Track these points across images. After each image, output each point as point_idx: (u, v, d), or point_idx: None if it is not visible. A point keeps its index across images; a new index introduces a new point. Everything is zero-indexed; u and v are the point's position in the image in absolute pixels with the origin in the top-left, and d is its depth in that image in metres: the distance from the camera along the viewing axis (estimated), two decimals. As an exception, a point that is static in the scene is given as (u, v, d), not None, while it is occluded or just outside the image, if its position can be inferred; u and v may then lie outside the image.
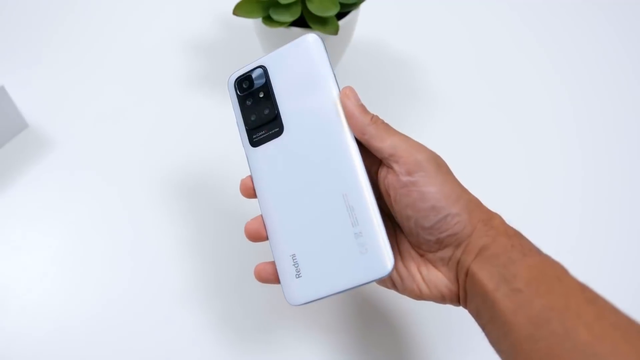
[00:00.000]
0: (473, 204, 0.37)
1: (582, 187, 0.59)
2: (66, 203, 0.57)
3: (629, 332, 0.31)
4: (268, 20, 0.55)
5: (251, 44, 0.66)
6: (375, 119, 0.38)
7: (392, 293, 0.41)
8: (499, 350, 0.34)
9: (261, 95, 0.42)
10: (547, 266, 0.34)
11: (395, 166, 0.37)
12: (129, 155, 0.60)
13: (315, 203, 0.39)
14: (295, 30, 0.56)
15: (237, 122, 0.42)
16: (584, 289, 0.33)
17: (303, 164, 0.40)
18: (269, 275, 0.40)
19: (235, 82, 0.43)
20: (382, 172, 0.38)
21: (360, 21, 0.62)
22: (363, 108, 0.39)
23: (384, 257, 0.37)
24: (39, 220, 0.56)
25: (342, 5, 0.56)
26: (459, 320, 0.39)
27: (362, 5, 0.59)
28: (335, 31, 0.55)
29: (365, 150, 0.39)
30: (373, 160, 0.39)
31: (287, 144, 0.40)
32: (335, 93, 0.40)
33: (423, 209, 0.36)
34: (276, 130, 0.41)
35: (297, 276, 0.39)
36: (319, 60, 0.41)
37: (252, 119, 0.41)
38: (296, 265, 0.39)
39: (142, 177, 0.58)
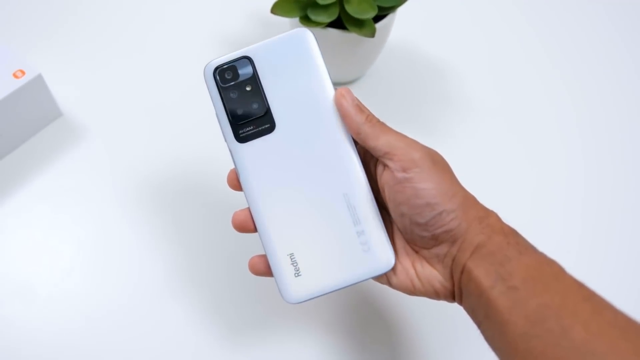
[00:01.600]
0: (469, 202, 0.37)
1: (613, 194, 0.58)
2: (95, 192, 0.57)
3: (626, 329, 0.31)
4: (305, 20, 0.55)
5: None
6: (370, 118, 0.38)
7: (387, 289, 0.41)
8: (494, 347, 0.35)
9: (248, 89, 0.39)
10: (544, 264, 0.34)
11: (390, 163, 0.37)
12: (161, 148, 0.60)
13: (315, 202, 0.39)
14: (332, 31, 0.55)
15: (217, 115, 0.39)
16: (580, 287, 0.33)
17: (298, 163, 0.39)
18: (265, 268, 0.40)
19: (215, 71, 0.39)
20: (378, 170, 0.39)
21: (395, 24, 0.62)
22: (359, 107, 0.39)
23: (386, 254, 0.38)
24: (68, 208, 0.56)
25: (379, 8, 0.55)
26: (457, 316, 0.39)
27: (399, 9, 0.58)
28: (372, 34, 0.54)
29: (362, 149, 0.40)
30: (370, 159, 0.40)
31: (280, 141, 0.39)
32: (330, 91, 0.39)
33: (418, 206, 0.36)
34: (267, 126, 0.39)
35: (297, 275, 0.39)
36: (312, 57, 0.40)
37: (239, 113, 0.39)
38: (295, 265, 0.39)
39: (174, 170, 0.58)
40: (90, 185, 0.58)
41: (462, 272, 0.36)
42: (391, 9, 0.57)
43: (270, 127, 0.39)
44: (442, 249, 0.37)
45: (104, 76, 0.65)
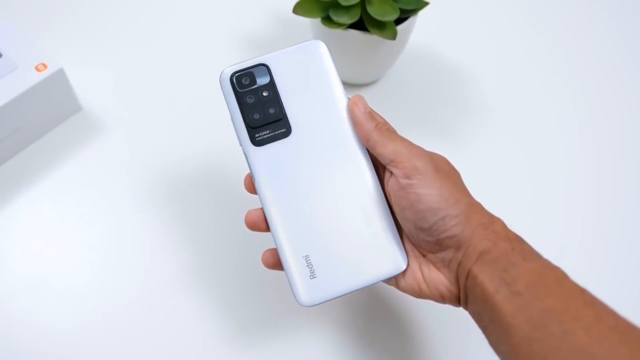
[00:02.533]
0: (473, 208, 0.38)
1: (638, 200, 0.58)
2: (112, 187, 0.57)
3: (627, 335, 0.32)
4: (327, 20, 0.55)
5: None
6: (379, 126, 0.40)
7: (396, 290, 0.42)
8: (498, 351, 0.35)
9: (265, 94, 0.41)
10: (547, 270, 0.35)
11: (395, 170, 0.38)
12: (179, 145, 0.60)
13: (328, 205, 0.40)
14: (353, 32, 0.55)
15: (232, 119, 0.41)
16: (583, 293, 0.34)
17: (313, 166, 0.40)
18: (278, 261, 0.40)
19: (232, 76, 0.41)
20: (386, 177, 0.40)
21: (415, 28, 0.61)
22: (370, 115, 0.40)
23: (399, 256, 0.39)
24: (84, 201, 0.57)
25: (401, 10, 0.55)
26: (465, 319, 0.39)
27: (420, 12, 0.58)
28: (393, 36, 0.54)
29: (373, 156, 0.41)
30: (380, 166, 0.41)
31: (295, 146, 0.40)
32: (343, 99, 0.41)
33: (420, 211, 0.37)
34: (283, 130, 0.40)
35: (312, 277, 0.39)
36: (326, 68, 0.42)
37: (256, 117, 0.40)
38: (310, 267, 0.39)
39: (191, 167, 0.59)
40: (107, 180, 0.58)
41: (467, 277, 0.36)
42: (412, 11, 0.57)
43: (286, 131, 0.40)
44: (447, 254, 0.38)
45: (125, 72, 0.65)
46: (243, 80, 0.41)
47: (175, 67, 0.66)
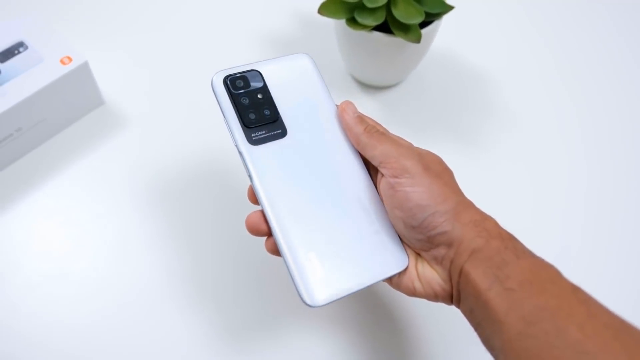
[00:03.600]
0: (463, 205, 0.38)
1: (654, 223, 0.57)
2: (129, 183, 0.58)
3: (621, 331, 0.32)
4: (352, 22, 0.55)
5: (328, 44, 0.66)
6: (368, 129, 0.41)
7: (391, 289, 0.43)
8: (491, 348, 0.35)
9: (259, 97, 0.42)
10: (541, 268, 0.35)
11: (384, 171, 0.39)
12: (199, 144, 0.60)
13: (329, 203, 0.40)
14: (377, 34, 0.55)
15: (226, 120, 0.41)
16: (576, 290, 0.34)
17: (310, 167, 0.41)
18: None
19: (226, 79, 0.42)
20: (378, 178, 0.41)
21: (439, 31, 0.61)
22: (359, 119, 0.42)
23: (401, 253, 0.40)
24: (101, 195, 0.57)
25: (426, 14, 0.55)
26: (459, 316, 0.39)
27: (444, 16, 0.58)
28: (417, 39, 0.54)
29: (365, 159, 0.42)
30: (372, 168, 0.42)
31: (292, 146, 0.41)
32: (333, 105, 0.43)
33: (409, 208, 0.38)
34: (279, 131, 0.41)
35: (318, 276, 0.38)
36: (314, 77, 0.44)
37: (252, 117, 0.41)
38: (315, 266, 0.38)
39: (210, 167, 0.59)
40: (125, 175, 0.58)
41: (460, 275, 0.37)
42: (437, 15, 0.57)
43: (282, 132, 0.41)
44: (439, 252, 0.38)
45: (148, 69, 0.66)
46: (237, 83, 0.42)
47: (198, 65, 0.66)
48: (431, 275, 0.39)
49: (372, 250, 0.40)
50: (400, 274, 0.40)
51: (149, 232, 0.55)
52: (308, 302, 0.37)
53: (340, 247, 0.39)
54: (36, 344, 0.49)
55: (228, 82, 0.42)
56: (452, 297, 0.38)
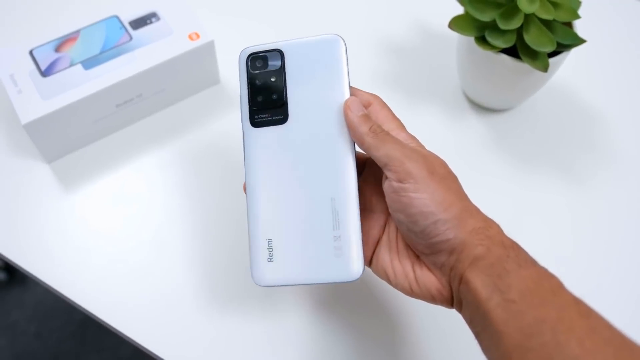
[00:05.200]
0: (467, 212, 0.37)
1: None
2: (231, 163, 0.59)
3: (622, 348, 0.31)
4: (481, 41, 0.54)
5: (446, 56, 0.66)
6: (373, 129, 0.39)
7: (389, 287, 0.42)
8: (490, 358, 0.35)
9: (273, 79, 0.42)
10: (543, 278, 0.35)
11: (389, 174, 0.38)
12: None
13: (304, 198, 0.40)
14: (504, 57, 0.55)
15: (240, 97, 0.42)
16: (578, 303, 0.33)
17: (299, 158, 0.41)
18: None
19: (248, 57, 0.42)
20: (383, 177, 0.39)
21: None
22: (364, 118, 0.40)
23: (354, 265, 0.39)
24: (201, 170, 0.59)
25: (557, 44, 0.54)
26: (457, 317, 0.39)
27: (573, 49, 0.57)
28: (545, 68, 0.53)
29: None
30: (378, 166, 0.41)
31: (288, 134, 0.41)
32: (346, 96, 0.41)
33: (412, 214, 0.37)
34: (280, 117, 0.41)
35: (269, 260, 0.40)
36: (339, 64, 0.41)
37: (259, 99, 0.42)
38: (270, 250, 0.40)
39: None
40: (228, 155, 0.59)
41: (460, 282, 0.36)
42: (567, 47, 0.55)
43: (283, 118, 0.41)
44: (439, 258, 0.37)
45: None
46: (257, 63, 0.42)
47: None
48: (428, 278, 0.38)
49: (327, 253, 0.40)
50: (396, 275, 0.40)
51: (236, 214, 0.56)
52: (253, 278, 0.41)
53: (298, 240, 0.40)
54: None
55: (249, 61, 0.42)
56: (451, 301, 0.38)
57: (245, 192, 0.42)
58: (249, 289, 0.52)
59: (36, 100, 0.54)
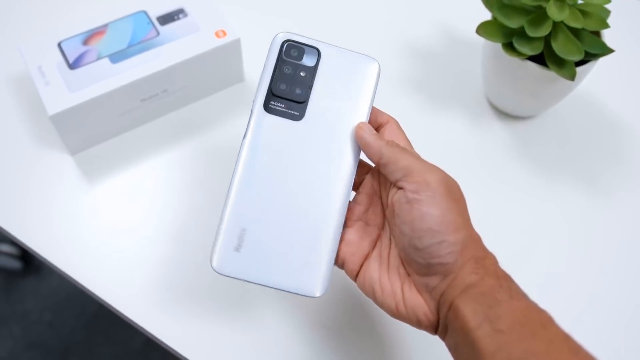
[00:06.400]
0: (470, 240, 0.37)
1: None
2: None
3: None
4: (508, 47, 0.54)
5: (470, 61, 0.66)
6: (390, 143, 0.39)
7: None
8: None
9: (302, 74, 0.41)
10: (533, 312, 0.34)
11: (405, 184, 0.37)
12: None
13: (291, 200, 0.40)
14: (530, 64, 0.54)
15: (261, 77, 0.41)
16: (567, 339, 0.33)
17: (301, 160, 0.40)
18: None
19: (284, 42, 0.41)
20: (391, 192, 0.39)
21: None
22: (378, 136, 0.40)
23: (319, 282, 0.39)
24: (217, 168, 0.59)
25: (585, 53, 0.54)
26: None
27: (601, 59, 0.56)
28: (571, 76, 0.53)
29: (377, 177, 0.41)
30: (384, 184, 0.41)
31: (298, 133, 0.40)
32: (365, 120, 0.41)
33: (419, 229, 0.36)
34: (296, 114, 0.40)
35: (236, 249, 0.39)
36: (369, 85, 0.42)
37: (281, 87, 0.41)
38: (240, 240, 0.39)
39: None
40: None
41: (449, 309, 0.36)
42: (595, 56, 0.55)
43: (299, 116, 0.41)
44: (432, 280, 0.37)
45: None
46: (292, 52, 0.41)
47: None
48: (417, 301, 0.38)
49: (295, 260, 0.39)
50: (383, 293, 0.39)
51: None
52: (212, 263, 0.39)
53: (271, 240, 0.39)
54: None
55: (284, 47, 0.41)
56: (436, 327, 0.37)
57: (234, 170, 0.40)
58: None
59: (63, 92, 0.55)
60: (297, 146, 0.40)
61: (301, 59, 0.41)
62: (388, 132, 0.41)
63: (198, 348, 0.50)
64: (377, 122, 0.42)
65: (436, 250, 0.36)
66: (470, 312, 0.34)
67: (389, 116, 0.42)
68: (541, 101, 0.60)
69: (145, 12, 0.60)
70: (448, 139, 0.62)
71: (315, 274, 0.39)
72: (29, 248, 0.54)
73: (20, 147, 0.60)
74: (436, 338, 0.38)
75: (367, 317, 0.52)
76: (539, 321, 0.34)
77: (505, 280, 0.36)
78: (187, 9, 0.61)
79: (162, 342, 0.51)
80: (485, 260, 0.37)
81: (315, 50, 0.42)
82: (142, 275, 0.53)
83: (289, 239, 0.40)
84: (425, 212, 0.36)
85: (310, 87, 0.41)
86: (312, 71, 0.41)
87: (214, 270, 0.39)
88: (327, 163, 0.40)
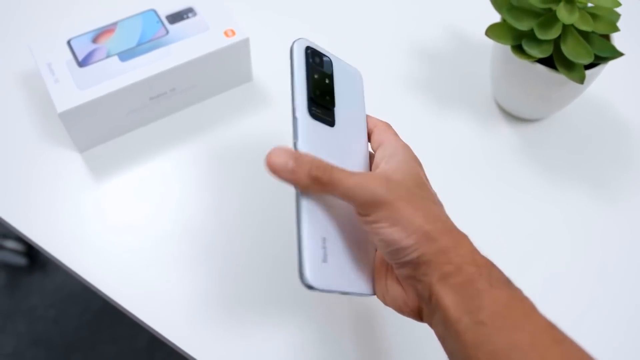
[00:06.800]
0: (434, 234, 0.35)
1: None
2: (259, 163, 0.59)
3: None
4: (517, 50, 0.54)
5: (478, 63, 0.66)
6: (312, 173, 0.36)
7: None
8: None
9: (327, 82, 0.42)
10: (515, 300, 0.34)
11: (351, 204, 0.37)
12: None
13: (345, 206, 0.39)
14: (540, 67, 0.54)
15: (294, 85, 0.40)
16: (552, 328, 0.33)
17: (343, 164, 0.39)
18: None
19: (307, 49, 0.41)
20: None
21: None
22: (295, 162, 0.36)
23: (371, 282, 0.41)
24: (228, 167, 0.59)
25: (594, 56, 0.54)
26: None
27: (610, 62, 0.56)
28: (581, 80, 0.53)
29: None
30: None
31: (335, 138, 0.41)
32: (364, 121, 0.44)
33: (376, 240, 0.37)
34: (330, 119, 0.41)
35: (324, 261, 0.37)
36: (362, 93, 0.45)
37: (317, 93, 0.40)
38: (325, 250, 0.38)
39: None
40: (257, 153, 0.60)
41: (430, 296, 0.36)
42: (604, 59, 0.55)
43: (332, 122, 0.41)
44: (405, 271, 0.37)
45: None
46: (315, 59, 0.42)
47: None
48: (396, 291, 0.39)
49: (359, 262, 0.40)
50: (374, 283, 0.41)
51: (276, 213, 0.56)
52: (306, 279, 0.36)
53: (346, 244, 0.39)
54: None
55: (309, 52, 0.41)
56: (418, 313, 0.38)
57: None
58: (272, 283, 0.53)
59: (72, 90, 0.55)
60: (337, 152, 0.40)
61: (323, 66, 0.42)
62: (377, 135, 0.43)
63: (204, 347, 0.50)
64: (368, 126, 0.44)
65: (396, 254, 0.36)
66: (450, 303, 0.34)
67: (377, 120, 0.44)
68: (549, 104, 0.60)
69: (154, 11, 0.60)
70: (455, 141, 0.62)
71: (369, 273, 0.41)
72: (36, 244, 0.55)
73: (29, 143, 0.60)
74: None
75: (383, 320, 0.52)
76: (522, 311, 0.33)
77: (485, 268, 0.35)
78: (196, 8, 0.61)
79: (168, 341, 0.51)
80: (458, 249, 0.36)
81: (329, 60, 0.43)
82: (148, 273, 0.53)
83: (351, 244, 0.40)
84: (375, 227, 0.36)
85: (334, 93, 0.42)
86: (332, 79, 0.42)
87: (309, 286, 0.36)
88: (359, 166, 0.42)
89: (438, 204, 0.40)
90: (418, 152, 0.43)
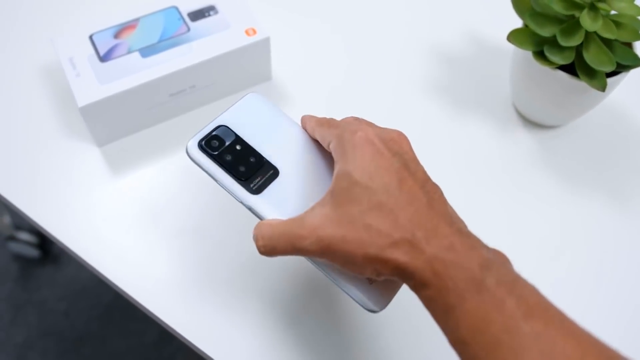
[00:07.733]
0: (385, 255, 0.34)
1: None
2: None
3: None
4: (539, 56, 0.54)
5: (496, 69, 0.66)
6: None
7: None
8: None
9: (238, 148, 0.42)
10: (488, 310, 0.32)
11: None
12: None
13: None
14: (561, 74, 0.54)
15: (218, 182, 0.41)
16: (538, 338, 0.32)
17: (311, 196, 0.41)
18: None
19: (200, 144, 0.41)
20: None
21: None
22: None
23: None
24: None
25: (616, 64, 0.53)
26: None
27: (632, 71, 0.56)
28: (602, 87, 0.53)
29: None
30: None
31: (289, 181, 0.42)
32: (299, 128, 0.45)
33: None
34: (271, 172, 0.42)
35: (370, 282, 0.39)
36: (271, 111, 0.45)
37: (242, 170, 0.41)
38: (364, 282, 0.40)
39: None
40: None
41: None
42: (626, 68, 0.55)
43: (275, 172, 0.42)
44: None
45: (318, 55, 0.67)
46: (212, 144, 0.42)
47: (363, 61, 0.67)
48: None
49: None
50: None
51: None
52: (374, 308, 0.39)
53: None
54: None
55: (204, 146, 0.42)
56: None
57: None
58: (290, 283, 0.53)
59: (93, 85, 0.55)
60: (298, 187, 0.42)
61: (223, 141, 0.42)
62: (317, 134, 0.44)
63: (216, 341, 0.50)
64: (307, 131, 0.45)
65: (360, 272, 0.38)
66: (432, 312, 0.35)
67: (307, 119, 0.45)
68: (570, 111, 0.60)
69: (176, 8, 0.61)
70: (472, 144, 0.62)
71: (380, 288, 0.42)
72: (51, 235, 0.55)
73: (49, 136, 0.60)
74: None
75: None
76: (500, 325, 0.32)
77: (451, 270, 0.33)
78: (218, 6, 0.61)
79: (180, 335, 0.51)
80: (415, 260, 0.34)
81: (223, 127, 0.43)
82: (162, 268, 0.53)
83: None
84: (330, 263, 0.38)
85: (253, 149, 0.42)
86: (239, 139, 0.42)
87: (381, 310, 0.40)
88: (326, 175, 0.43)
89: (386, 203, 0.36)
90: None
